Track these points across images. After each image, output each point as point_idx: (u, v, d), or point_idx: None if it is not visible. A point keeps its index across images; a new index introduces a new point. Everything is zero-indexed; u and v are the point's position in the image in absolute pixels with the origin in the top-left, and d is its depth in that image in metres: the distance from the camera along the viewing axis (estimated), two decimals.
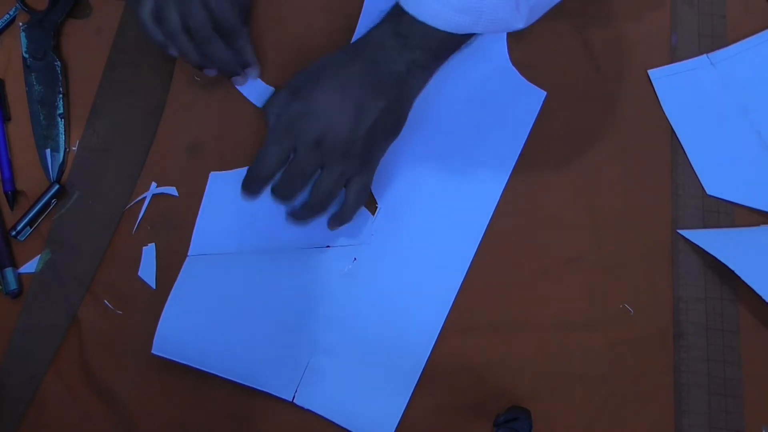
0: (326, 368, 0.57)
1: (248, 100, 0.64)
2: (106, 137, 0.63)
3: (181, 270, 0.59)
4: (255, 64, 0.64)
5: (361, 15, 0.66)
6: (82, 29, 0.66)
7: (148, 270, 0.60)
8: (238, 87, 0.64)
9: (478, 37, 0.59)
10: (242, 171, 0.61)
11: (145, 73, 0.65)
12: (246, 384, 0.56)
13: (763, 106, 0.64)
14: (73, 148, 0.63)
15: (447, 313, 0.59)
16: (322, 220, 0.59)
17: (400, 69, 0.56)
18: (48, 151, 0.62)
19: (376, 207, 0.61)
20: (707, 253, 0.59)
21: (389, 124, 0.57)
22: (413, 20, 0.52)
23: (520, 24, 0.52)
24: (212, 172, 0.61)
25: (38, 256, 0.60)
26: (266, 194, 0.60)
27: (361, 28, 0.65)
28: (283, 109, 0.56)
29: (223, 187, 0.61)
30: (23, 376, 0.57)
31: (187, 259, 0.59)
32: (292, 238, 0.60)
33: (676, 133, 0.64)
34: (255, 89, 0.64)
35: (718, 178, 0.62)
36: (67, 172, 0.62)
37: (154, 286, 0.59)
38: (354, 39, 0.65)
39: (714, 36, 0.66)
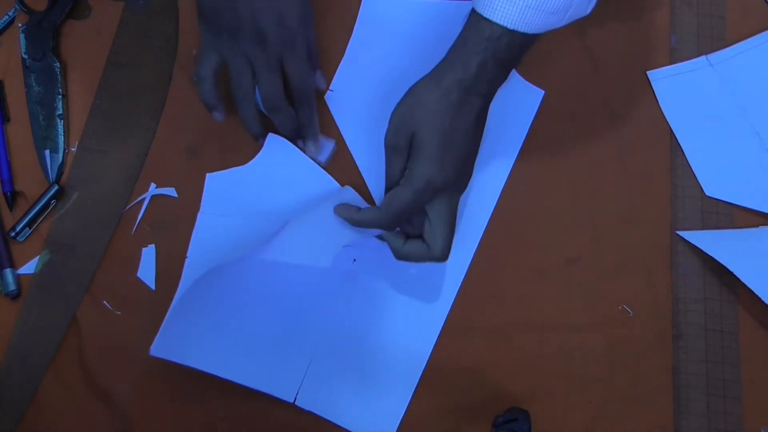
0: (327, 370, 0.57)
1: None
2: (106, 138, 0.63)
3: (183, 273, 0.59)
4: (315, 140, 0.61)
5: (358, 17, 0.66)
6: (82, 30, 0.66)
7: (147, 271, 0.60)
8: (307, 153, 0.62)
9: None
10: (238, 170, 0.61)
11: (145, 74, 0.65)
12: (248, 386, 0.56)
13: (762, 107, 0.64)
14: (72, 149, 0.63)
15: (446, 314, 0.59)
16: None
17: (495, 90, 0.55)
18: (47, 151, 0.62)
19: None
20: (706, 254, 0.59)
21: (479, 143, 0.57)
22: (511, 41, 0.51)
23: (588, 10, 0.54)
24: (208, 174, 0.61)
25: (37, 257, 0.60)
26: (264, 194, 0.61)
27: (359, 28, 0.65)
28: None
29: (220, 186, 0.61)
30: (23, 377, 0.57)
31: (186, 260, 0.59)
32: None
33: (675, 134, 0.64)
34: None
35: (717, 180, 0.62)
36: (66, 173, 0.62)
37: (153, 287, 0.59)
38: (352, 39, 0.65)
39: (713, 37, 0.66)
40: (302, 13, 0.58)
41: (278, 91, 0.58)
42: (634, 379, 0.58)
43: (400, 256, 0.56)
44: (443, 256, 0.54)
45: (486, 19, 0.51)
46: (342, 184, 0.62)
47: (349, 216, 0.56)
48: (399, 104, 0.55)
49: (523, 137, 0.63)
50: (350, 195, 0.60)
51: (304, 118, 0.61)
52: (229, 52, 0.58)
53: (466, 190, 0.58)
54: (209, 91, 0.60)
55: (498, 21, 0.50)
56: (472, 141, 0.55)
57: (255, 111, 0.59)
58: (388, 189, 0.57)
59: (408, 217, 0.55)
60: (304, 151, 0.62)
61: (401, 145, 0.54)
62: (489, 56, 0.52)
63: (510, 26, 0.50)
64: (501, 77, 0.55)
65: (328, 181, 0.61)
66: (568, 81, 0.65)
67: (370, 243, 0.59)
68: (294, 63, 0.58)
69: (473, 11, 0.52)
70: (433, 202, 0.54)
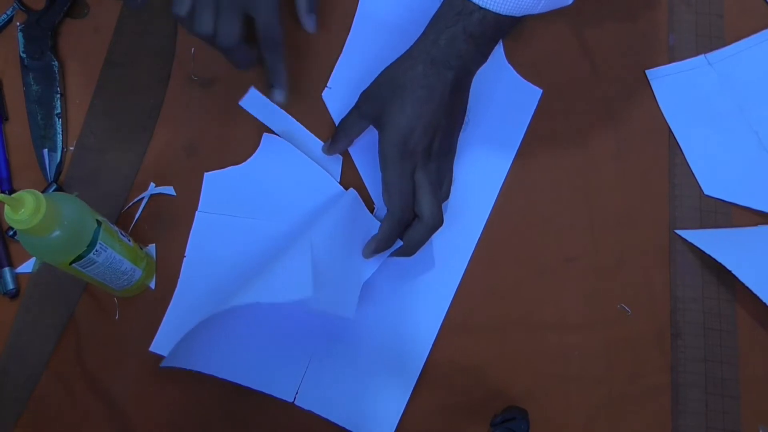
0: (326, 369, 0.57)
1: None
2: (104, 137, 0.63)
3: (181, 272, 0.59)
4: (282, 87, 0.61)
5: (356, 15, 0.66)
6: (80, 29, 0.66)
7: None
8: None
9: None
10: (236, 168, 0.61)
11: (143, 72, 0.65)
12: (247, 386, 0.56)
13: (761, 106, 0.64)
14: (71, 148, 0.63)
15: (445, 313, 0.59)
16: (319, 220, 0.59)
17: (473, 68, 0.57)
18: (45, 150, 0.62)
19: (374, 207, 0.61)
20: (704, 253, 0.59)
21: (462, 120, 0.59)
22: (483, 18, 0.53)
23: (570, 0, 0.55)
24: (206, 173, 0.61)
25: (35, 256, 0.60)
26: (262, 192, 0.61)
27: (357, 28, 0.65)
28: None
29: (218, 185, 0.61)
30: (21, 376, 0.57)
31: (185, 259, 0.60)
32: (290, 237, 0.60)
33: (674, 133, 0.64)
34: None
35: (715, 178, 0.62)
36: (65, 172, 0.62)
37: (152, 286, 0.59)
38: (349, 37, 0.65)
39: (711, 36, 0.66)
40: None
41: (232, 31, 0.57)
42: (632, 378, 0.58)
43: (409, 249, 0.57)
44: (436, 222, 0.56)
45: None
46: (339, 182, 0.62)
47: (377, 247, 0.56)
48: (378, 76, 0.58)
49: (521, 136, 0.63)
50: (352, 198, 0.60)
51: (270, 64, 0.60)
52: None
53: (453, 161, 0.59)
54: (188, 26, 0.58)
55: (480, 3, 0.52)
56: (444, 113, 0.56)
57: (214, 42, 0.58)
58: (338, 140, 0.60)
59: (409, 196, 0.56)
60: (272, 100, 0.62)
61: (368, 113, 0.57)
62: (459, 30, 0.54)
63: (482, 4, 0.52)
64: (475, 54, 0.56)
65: (325, 178, 0.61)
66: (567, 80, 0.65)
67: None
68: (261, 6, 0.57)
69: None
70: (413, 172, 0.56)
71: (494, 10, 0.53)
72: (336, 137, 0.61)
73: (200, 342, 0.55)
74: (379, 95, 0.57)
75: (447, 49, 0.55)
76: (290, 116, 0.63)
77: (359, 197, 0.60)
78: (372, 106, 0.57)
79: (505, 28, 0.56)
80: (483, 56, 0.57)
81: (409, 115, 0.55)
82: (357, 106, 0.59)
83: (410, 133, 0.55)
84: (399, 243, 0.57)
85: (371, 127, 0.59)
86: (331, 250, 0.55)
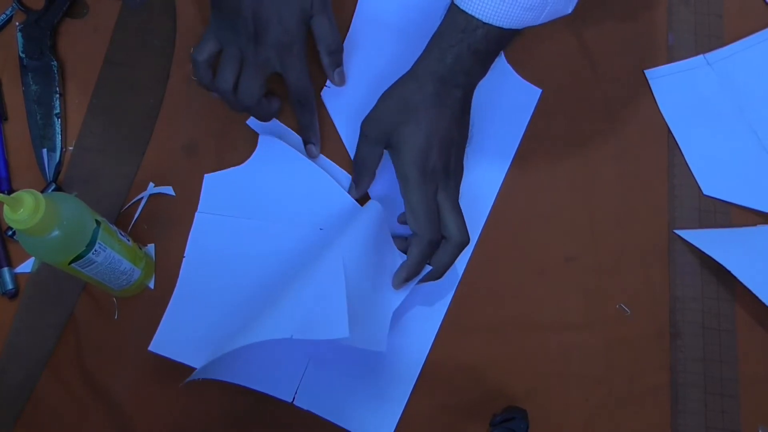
0: (326, 369, 0.57)
1: None
2: (103, 137, 0.63)
3: (180, 271, 0.59)
4: (317, 143, 0.62)
5: (354, 14, 0.66)
6: (79, 29, 0.66)
7: None
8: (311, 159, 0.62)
9: None
10: (235, 170, 0.61)
11: (142, 72, 0.65)
12: (247, 386, 0.56)
13: (760, 106, 0.64)
14: (70, 148, 0.63)
15: (444, 313, 0.59)
16: (327, 216, 0.59)
17: (476, 83, 0.57)
18: (45, 150, 0.62)
19: None
20: (704, 253, 0.59)
21: (468, 135, 0.59)
22: (487, 33, 0.53)
23: (570, 9, 0.54)
24: (206, 174, 0.61)
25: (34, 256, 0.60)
26: (261, 193, 0.61)
27: (356, 24, 0.65)
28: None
29: (218, 186, 0.61)
30: (20, 376, 0.57)
31: (184, 259, 0.59)
32: (291, 238, 0.60)
33: (673, 133, 0.64)
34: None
35: (714, 178, 0.62)
36: (64, 172, 0.62)
37: (151, 286, 0.59)
38: (348, 36, 0.65)
39: (711, 36, 0.66)
40: (305, 16, 0.58)
41: (254, 90, 0.58)
42: (631, 377, 0.58)
43: (438, 272, 0.56)
44: (463, 240, 0.55)
45: (463, 11, 0.52)
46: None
47: (408, 274, 0.55)
48: (380, 99, 0.57)
49: (521, 136, 0.63)
50: (375, 213, 0.58)
51: (303, 121, 0.61)
52: (225, 42, 0.58)
53: (462, 180, 0.58)
54: (202, 74, 0.59)
55: (474, 14, 0.52)
56: (457, 131, 0.56)
57: (234, 99, 0.59)
58: (360, 178, 0.59)
59: (436, 216, 0.55)
60: (307, 155, 0.62)
61: (379, 138, 0.57)
62: (464, 48, 0.54)
63: (485, 19, 0.52)
64: (479, 69, 0.56)
65: (324, 178, 0.61)
66: (566, 79, 0.65)
67: (364, 242, 0.59)
68: (291, 67, 0.58)
69: (452, 4, 0.53)
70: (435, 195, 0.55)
71: (498, 25, 0.52)
72: (357, 175, 0.60)
73: (198, 339, 0.55)
74: (387, 118, 0.56)
75: (454, 68, 0.54)
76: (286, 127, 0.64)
77: (383, 211, 0.58)
78: (381, 129, 0.57)
79: (507, 42, 0.55)
80: (485, 70, 0.57)
81: (425, 134, 0.54)
82: (364, 135, 0.58)
83: (429, 152, 0.54)
84: (427, 268, 0.56)
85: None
86: (360, 276, 0.54)
